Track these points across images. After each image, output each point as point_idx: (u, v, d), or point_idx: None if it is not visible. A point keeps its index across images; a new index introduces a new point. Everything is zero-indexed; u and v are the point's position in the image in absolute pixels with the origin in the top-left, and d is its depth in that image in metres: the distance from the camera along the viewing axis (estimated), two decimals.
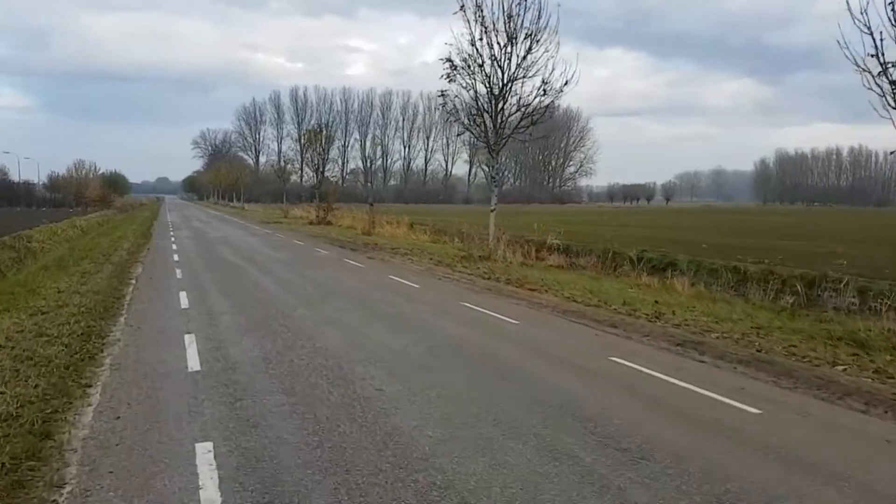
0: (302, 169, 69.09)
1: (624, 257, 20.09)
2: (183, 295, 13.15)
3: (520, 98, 19.96)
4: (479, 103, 20.34)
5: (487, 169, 20.26)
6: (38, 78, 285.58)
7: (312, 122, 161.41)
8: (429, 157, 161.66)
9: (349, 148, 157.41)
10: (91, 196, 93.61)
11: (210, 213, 70.37)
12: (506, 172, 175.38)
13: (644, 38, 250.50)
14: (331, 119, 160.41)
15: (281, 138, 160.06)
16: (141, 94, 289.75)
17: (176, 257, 21.22)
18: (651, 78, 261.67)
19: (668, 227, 43.81)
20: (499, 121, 20.40)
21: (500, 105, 20.18)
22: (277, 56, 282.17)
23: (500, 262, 19.81)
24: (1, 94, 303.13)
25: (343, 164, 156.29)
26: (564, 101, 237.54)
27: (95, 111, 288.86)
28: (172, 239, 29.75)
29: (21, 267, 18.28)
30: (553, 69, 19.17)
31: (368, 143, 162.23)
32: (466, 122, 21.07)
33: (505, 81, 19.82)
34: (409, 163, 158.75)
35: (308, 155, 46.86)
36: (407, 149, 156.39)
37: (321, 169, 46.68)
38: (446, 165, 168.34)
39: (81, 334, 9.19)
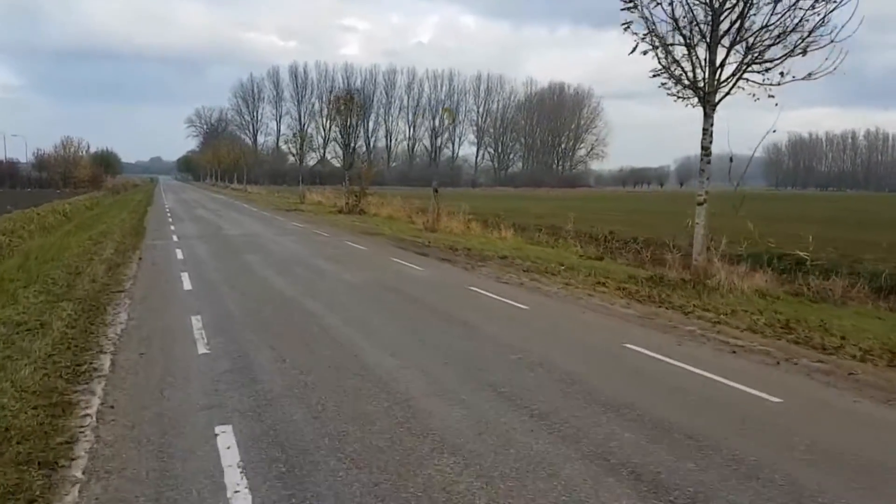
0: (325, 146, 60.12)
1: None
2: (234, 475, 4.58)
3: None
4: (690, 22, 11.88)
5: (704, 132, 11.53)
6: (30, 57, 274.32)
7: (313, 99, 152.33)
8: (435, 138, 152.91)
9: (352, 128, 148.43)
10: (80, 176, 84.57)
11: (212, 197, 61.37)
12: (511, 156, 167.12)
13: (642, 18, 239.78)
14: (332, 98, 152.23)
15: (280, 116, 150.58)
16: (134, 74, 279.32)
17: (187, 283, 12.57)
18: (645, 60, 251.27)
19: (763, 218, 35.63)
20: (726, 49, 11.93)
21: (727, 21, 11.72)
22: (270, 34, 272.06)
23: (730, 295, 11.46)
24: None
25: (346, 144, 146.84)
26: (573, 80, 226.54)
27: (88, 91, 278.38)
28: (175, 239, 21.10)
29: None
30: None
31: (371, 123, 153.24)
32: (664, 58, 12.53)
33: None
34: (415, 144, 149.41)
35: (334, 128, 37.95)
36: (412, 129, 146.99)
37: (352, 145, 38.05)
38: (453, 147, 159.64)
39: None
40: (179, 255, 16.77)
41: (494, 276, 13.99)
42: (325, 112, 38.94)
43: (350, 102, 36.85)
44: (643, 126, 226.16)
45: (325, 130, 50.34)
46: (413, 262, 16.33)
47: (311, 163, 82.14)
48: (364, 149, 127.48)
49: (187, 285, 12.22)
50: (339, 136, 37.97)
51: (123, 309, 9.82)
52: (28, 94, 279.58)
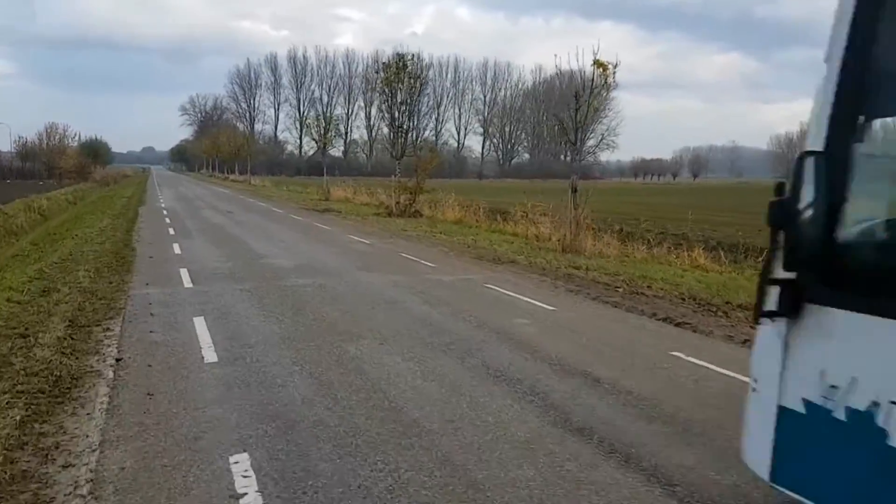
0: (349, 131, 50.52)
1: None
2: None
3: None
4: None
5: None
6: (21, 44, 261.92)
7: (312, 86, 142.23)
8: (440, 127, 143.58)
9: (353, 117, 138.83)
10: (65, 167, 74.65)
11: (216, 192, 51.66)
12: (516, 147, 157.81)
13: (634, 10, 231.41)
14: (333, 84, 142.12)
15: (279, 104, 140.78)
16: (126, 62, 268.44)
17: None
18: (639, 51, 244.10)
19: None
20: None
21: None
22: (263, 23, 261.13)
23: None
24: None
25: (347, 133, 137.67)
26: (584, 69, 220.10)
27: (79, 79, 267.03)
28: (186, 280, 11.67)
29: None
30: None
31: (374, 111, 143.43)
32: None
33: None
34: (420, 133, 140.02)
35: (384, 105, 28.75)
36: (416, 118, 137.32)
37: (404, 126, 29.03)
38: (458, 137, 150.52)
39: None
40: (206, 344, 7.54)
41: None
42: (368, 85, 29.51)
43: (402, 71, 27.60)
44: (637, 117, 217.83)
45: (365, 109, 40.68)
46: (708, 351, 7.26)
47: (335, 152, 71.63)
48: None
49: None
50: (387, 116, 28.69)
51: None
52: (20, 82, 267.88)
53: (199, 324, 8.30)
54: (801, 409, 2.76)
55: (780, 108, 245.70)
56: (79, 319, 8.53)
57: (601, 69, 16.07)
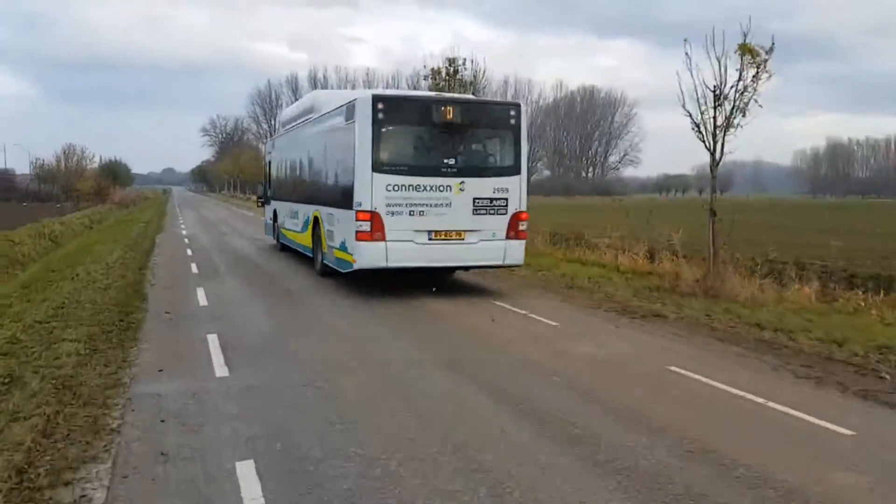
0: None
1: None
2: None
3: None
4: None
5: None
6: (40, 66, 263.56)
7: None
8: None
9: None
10: (83, 188, 71.79)
11: (242, 214, 47.71)
12: (536, 163, 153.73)
13: (647, 27, 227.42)
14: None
15: None
16: (146, 84, 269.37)
17: None
18: (652, 67, 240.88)
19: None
20: None
21: None
22: (279, 45, 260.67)
23: None
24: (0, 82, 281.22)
25: None
26: (606, 84, 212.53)
27: (99, 101, 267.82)
28: (218, 358, 7.90)
29: None
30: None
31: None
32: None
33: None
34: None
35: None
36: None
37: None
38: None
39: None
40: None
41: None
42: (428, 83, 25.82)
43: (452, 78, 23.80)
44: (652, 133, 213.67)
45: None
46: None
47: None
48: None
49: None
50: None
51: None
52: (42, 105, 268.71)
53: (251, 485, 4.39)
54: None
55: (800, 122, 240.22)
56: (36, 465, 4.67)
57: (749, 55, 12.11)
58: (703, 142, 12.40)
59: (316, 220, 14.30)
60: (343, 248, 12.14)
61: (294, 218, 17.05)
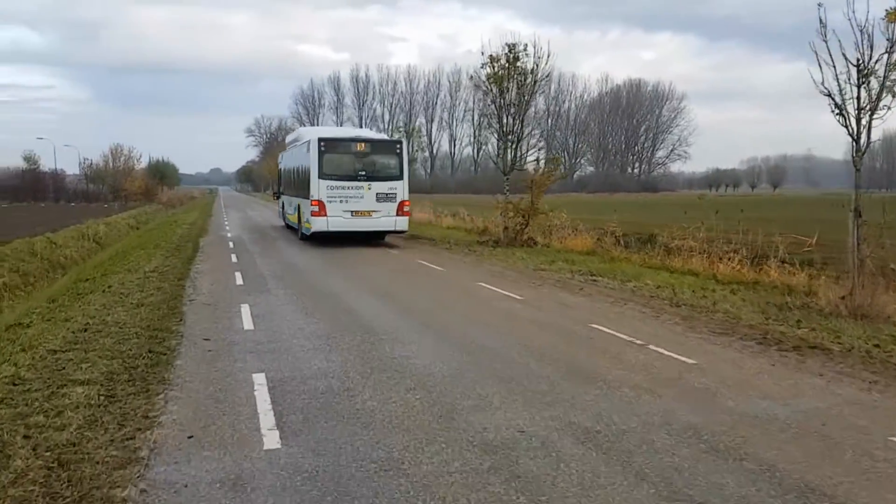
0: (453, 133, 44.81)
1: None
2: None
3: None
4: None
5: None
6: (91, 70, 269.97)
7: (374, 104, 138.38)
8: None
9: (413, 133, 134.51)
10: (131, 188, 71.82)
11: None
12: (580, 159, 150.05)
13: (692, 20, 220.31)
14: (395, 101, 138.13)
15: (341, 123, 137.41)
16: (193, 87, 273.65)
17: None
18: (697, 60, 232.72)
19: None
20: None
21: None
22: (322, 46, 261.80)
23: None
24: (53, 85, 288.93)
25: (431, 148, 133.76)
26: (653, 77, 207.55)
27: (148, 104, 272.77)
28: (266, 417, 5.86)
29: None
30: None
31: (435, 127, 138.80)
32: None
33: None
34: (480, 147, 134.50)
35: (492, 106, 23.05)
36: (478, 132, 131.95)
37: (518, 132, 23.40)
38: (516, 149, 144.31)
39: None
40: None
41: None
42: (474, 80, 23.97)
43: (512, 65, 21.76)
44: (698, 127, 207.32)
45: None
46: None
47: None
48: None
49: None
50: (495, 120, 23.02)
51: None
52: (90, 107, 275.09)
53: None
54: None
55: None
56: None
57: None
58: (846, 126, 10.13)
59: (299, 206, 22.73)
60: (308, 221, 20.70)
61: (290, 206, 25.74)
